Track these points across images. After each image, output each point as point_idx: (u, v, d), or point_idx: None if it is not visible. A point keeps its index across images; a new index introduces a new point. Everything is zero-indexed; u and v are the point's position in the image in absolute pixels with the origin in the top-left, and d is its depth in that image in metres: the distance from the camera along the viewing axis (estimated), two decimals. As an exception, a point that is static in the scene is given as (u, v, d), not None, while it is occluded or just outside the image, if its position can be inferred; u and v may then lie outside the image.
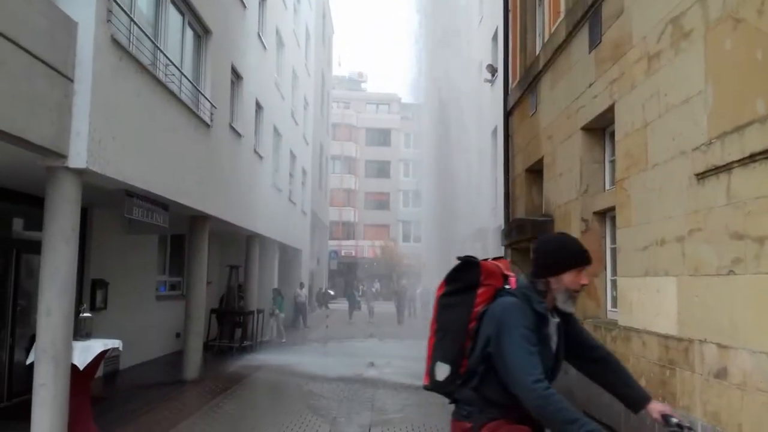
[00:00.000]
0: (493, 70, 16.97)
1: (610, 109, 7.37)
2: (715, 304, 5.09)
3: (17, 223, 9.87)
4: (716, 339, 5.04)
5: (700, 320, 5.32)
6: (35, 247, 7.79)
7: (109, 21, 7.57)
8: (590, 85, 8.04)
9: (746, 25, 4.66)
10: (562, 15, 9.27)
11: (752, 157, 4.50)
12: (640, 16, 6.55)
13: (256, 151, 16.94)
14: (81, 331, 7.62)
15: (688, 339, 5.52)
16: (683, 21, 5.60)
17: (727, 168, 4.83)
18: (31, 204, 9.10)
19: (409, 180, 57.50)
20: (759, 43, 4.49)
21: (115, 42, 7.75)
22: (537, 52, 11.07)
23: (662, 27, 5.99)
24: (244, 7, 15.24)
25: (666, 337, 5.93)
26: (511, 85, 13.02)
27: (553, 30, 9.80)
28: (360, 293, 36.50)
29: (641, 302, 6.53)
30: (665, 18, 5.93)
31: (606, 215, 8.24)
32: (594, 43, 7.92)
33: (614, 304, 7.89)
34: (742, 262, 4.68)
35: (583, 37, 8.39)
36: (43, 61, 6.40)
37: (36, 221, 8.12)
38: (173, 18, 10.65)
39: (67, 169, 6.99)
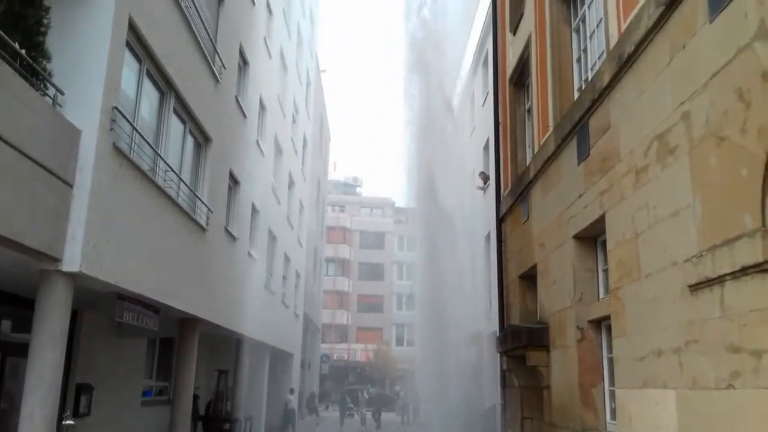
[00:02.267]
0: (485, 177, 17.37)
1: (601, 219, 7.49)
2: (715, 419, 4.97)
3: (5, 325, 9.72)
4: (719, 457, 4.88)
5: (702, 436, 5.17)
6: (22, 350, 7.63)
7: (112, 129, 7.80)
8: (580, 196, 8.22)
9: (730, 143, 4.84)
10: (551, 129, 9.61)
11: (744, 271, 4.54)
12: (627, 132, 6.80)
13: (250, 254, 16.98)
14: (62, 440, 7.34)
15: (690, 456, 5.34)
16: (668, 137, 5.81)
17: (719, 281, 4.86)
18: (21, 306, 8.99)
19: (403, 283, 57.32)
20: (743, 160, 4.64)
21: (117, 149, 7.95)
22: (527, 163, 11.38)
23: (648, 142, 6.21)
24: (245, 116, 15.76)
25: (667, 453, 5.74)
26: (503, 193, 13.29)
27: (542, 142, 10.13)
28: (351, 401, 35.41)
29: (641, 415, 6.37)
30: (651, 134, 6.15)
31: (601, 324, 8.18)
32: (582, 155, 8.17)
33: (613, 416, 7.68)
34: (741, 376, 4.61)
35: (571, 150, 8.66)
36: (44, 167, 6.54)
37: (24, 323, 8.01)
38: (175, 126, 10.98)
39: (60, 272, 6.98)
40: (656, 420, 5.99)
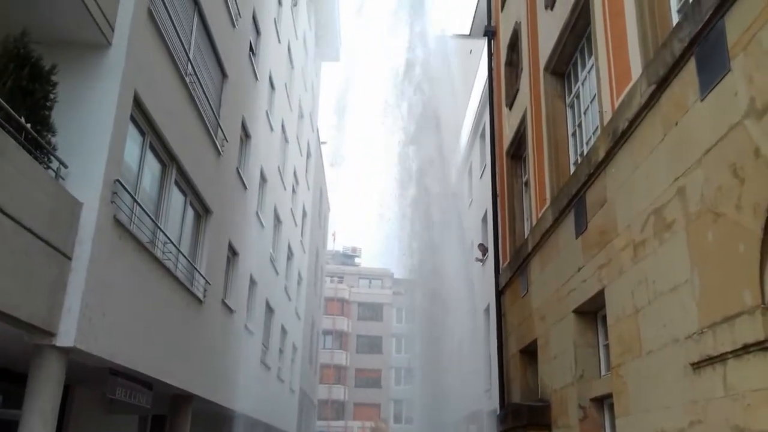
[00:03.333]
0: (484, 249, 17.39)
1: (601, 294, 7.45)
2: (725, 504, 4.78)
3: (-6, 401, 9.48)
4: None
5: None
6: (11, 428, 7.42)
7: (113, 202, 7.86)
8: (579, 270, 8.20)
9: (726, 219, 4.86)
10: (548, 202, 9.70)
11: (746, 349, 4.48)
12: (623, 206, 6.85)
13: (246, 327, 16.78)
14: None
15: None
16: (665, 212, 5.84)
17: (721, 359, 4.79)
18: (11, 381, 8.80)
19: (401, 356, 56.36)
20: (740, 236, 4.66)
21: (117, 221, 7.99)
22: (525, 235, 11.42)
23: (645, 217, 6.24)
24: (245, 188, 15.92)
25: None
26: (502, 265, 13.26)
27: (540, 215, 10.19)
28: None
29: (647, 499, 6.14)
30: (647, 209, 6.19)
31: (604, 402, 8.00)
32: (580, 229, 8.20)
33: (619, 500, 7.40)
34: (749, 459, 4.47)
35: (569, 223, 8.70)
36: (43, 240, 6.55)
37: (14, 399, 7.82)
38: (176, 198, 11.07)
39: (54, 347, 6.87)
40: (664, 504, 5.77)
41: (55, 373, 6.93)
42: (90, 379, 9.24)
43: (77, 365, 7.81)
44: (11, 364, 8.64)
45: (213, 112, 12.76)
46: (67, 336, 6.87)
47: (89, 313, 7.21)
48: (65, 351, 6.97)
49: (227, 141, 13.73)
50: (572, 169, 9.19)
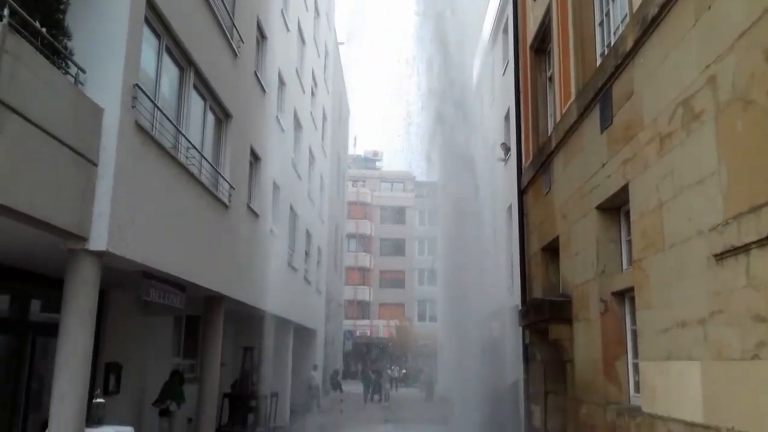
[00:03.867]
0: (506, 149, 17.21)
1: (624, 189, 7.39)
2: (741, 389, 4.92)
3: (34, 305, 9.91)
4: (745, 427, 4.85)
5: (727, 407, 5.13)
6: (51, 330, 7.79)
7: (133, 107, 7.84)
8: (603, 165, 8.11)
9: (757, 107, 4.72)
10: (573, 96, 9.47)
11: (771, 238, 4.46)
12: (651, 98, 6.67)
13: (272, 231, 17.08)
14: (93, 417, 7.51)
15: (715, 427, 5.31)
16: (693, 103, 5.68)
17: (745, 249, 4.78)
18: (49, 286, 9.15)
19: (424, 258, 57.35)
20: (770, 124, 4.53)
21: (139, 127, 8.00)
22: (549, 133, 11.25)
23: (673, 108, 6.08)
24: (264, 91, 15.75)
25: (692, 424, 5.71)
26: (525, 164, 13.17)
27: (564, 111, 9.98)
28: (375, 377, 35.75)
29: (665, 387, 6.33)
30: (675, 100, 6.02)
31: (625, 296, 8.11)
32: (605, 124, 8.04)
33: (637, 389, 7.65)
34: (767, 346, 4.55)
35: (594, 118, 8.53)
36: (69, 147, 6.61)
37: (53, 303, 8.16)
38: (195, 103, 11.01)
39: (88, 251, 7.07)
40: (681, 392, 5.96)
41: (91, 277, 7.17)
42: (125, 283, 9.58)
43: (111, 270, 8.07)
44: (48, 270, 8.96)
45: (228, 12, 12.44)
46: (99, 240, 7.05)
47: (119, 218, 7.37)
48: (98, 255, 7.18)
49: (243, 42, 13.45)
50: (599, 61, 8.90)
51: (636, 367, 7.69)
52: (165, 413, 12.26)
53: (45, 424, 7.06)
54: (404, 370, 42.69)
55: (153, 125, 8.82)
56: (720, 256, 5.16)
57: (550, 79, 11.70)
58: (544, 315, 10.11)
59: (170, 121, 9.61)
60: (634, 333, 7.62)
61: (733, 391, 5.03)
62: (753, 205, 4.69)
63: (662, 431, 6.34)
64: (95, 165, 7.16)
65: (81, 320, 7.08)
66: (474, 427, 13.18)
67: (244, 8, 13.76)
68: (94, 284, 7.27)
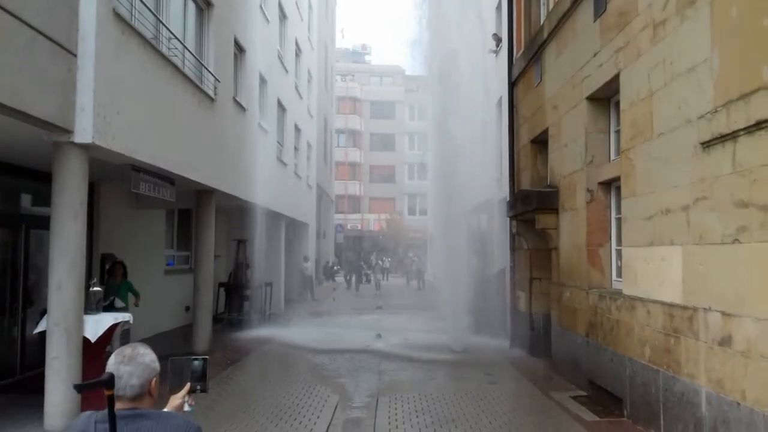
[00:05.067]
0: (497, 39, 16.79)
1: (616, 79, 7.33)
2: (719, 272, 5.11)
3: (25, 199, 9.93)
4: (721, 307, 5.08)
5: (705, 289, 5.35)
6: (44, 223, 7.85)
7: (110, -6, 7.52)
8: (595, 54, 7.98)
9: (753, -9, 4.61)
10: (568, -17, 9.16)
11: (758, 125, 4.49)
12: (647, -17, 6.47)
13: (260, 125, 16.90)
14: (91, 304, 7.73)
15: (692, 307, 5.56)
16: (690, -13, 5.53)
17: (732, 136, 4.82)
18: (39, 179, 9.14)
19: (414, 153, 57.28)
20: (766, 9, 4.44)
21: (117, 15, 7.71)
22: (541, 22, 10.97)
23: (669, -6, 5.93)
24: (246, -21, 15.09)
25: (670, 305, 5.97)
26: (516, 55, 12.92)
27: (558, -2, 9.69)
28: (366, 267, 36.71)
29: (646, 272, 6.57)
30: (672, -15, 5.86)
31: (611, 185, 8.23)
32: (599, 11, 7.84)
33: (619, 274, 7.93)
34: (747, 231, 4.69)
35: (588, 5, 8.31)
36: (46, 36, 6.39)
37: (44, 197, 8.17)
38: (175, -9, 10.57)
39: (74, 144, 7.01)
40: (661, 276, 6.18)
41: (78, 169, 7.14)
42: (115, 177, 9.57)
43: (100, 163, 8.03)
44: (37, 163, 8.91)
45: None
46: (84, 133, 6.97)
47: (103, 111, 7.25)
48: (84, 147, 7.12)
49: (223, -75, 12.73)
50: (595, -56, 8.55)
51: (619, 253, 7.93)
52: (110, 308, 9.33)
53: (44, 312, 7.27)
54: (389, 260, 43.95)
55: (132, 14, 8.50)
56: (707, 144, 5.20)
57: (545, -37, 11.27)
58: (531, 205, 10.28)
59: (150, 10, 9.25)
60: (619, 221, 7.80)
61: (712, 274, 5.23)
62: (743, 92, 4.68)
63: (641, 312, 6.63)
64: (74, 55, 6.95)
65: (72, 212, 7.11)
66: (462, 313, 13.70)
67: None
68: (83, 176, 7.25)
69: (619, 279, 7.82)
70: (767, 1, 4.44)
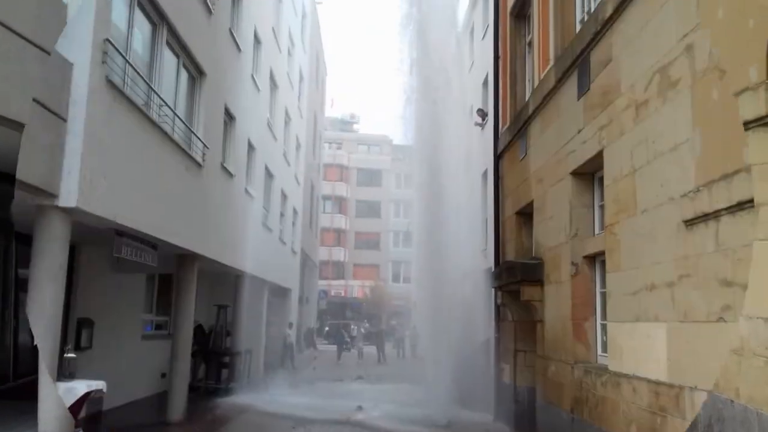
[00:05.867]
0: (483, 114, 17.20)
1: (599, 155, 7.46)
2: (705, 350, 5.08)
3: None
4: (707, 386, 5.02)
5: (691, 367, 5.30)
6: (22, 285, 7.72)
7: (104, 62, 7.65)
8: (579, 131, 8.16)
9: (732, 76, 4.77)
10: (552, 62, 9.45)
11: (740, 205, 4.56)
12: (629, 65, 6.69)
13: (247, 191, 16.96)
14: (65, 371, 7.50)
15: (678, 386, 5.49)
16: (671, 71, 5.72)
17: (715, 215, 4.88)
18: (20, 241, 9.04)
19: (399, 220, 57.61)
20: (750, 12, 4.56)
21: (110, 83, 7.82)
22: (526, 98, 11.25)
23: (650, 76, 6.12)
24: (239, 49, 15.45)
25: (656, 383, 5.90)
26: (501, 129, 13.18)
27: (542, 76, 9.98)
28: (348, 335, 36.18)
29: (631, 348, 6.51)
30: (653, 67, 6.06)
31: (596, 259, 8.26)
32: (583, 90, 8.06)
33: (604, 349, 7.86)
34: (732, 310, 4.69)
35: (572, 84, 8.54)
36: (38, 102, 6.44)
37: (23, 258, 8.06)
38: (168, 59, 10.76)
39: (57, 207, 6.97)
40: (647, 352, 6.13)
41: (61, 233, 7.08)
42: (97, 240, 9.47)
43: (82, 226, 7.97)
44: (19, 225, 8.82)
45: (202, -34, 12.10)
46: (68, 197, 6.95)
47: (89, 174, 7.25)
48: (68, 212, 7.08)
49: (218, -2, 13.13)
50: (578, 27, 8.88)
51: (604, 328, 7.88)
52: None
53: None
54: (367, 327, 43.03)
55: (125, 81, 8.62)
56: (690, 222, 5.26)
57: (530, 44, 11.65)
58: (516, 277, 10.26)
59: (142, 77, 9.40)
60: (604, 295, 7.79)
61: (698, 352, 5.19)
62: (725, 173, 4.77)
63: (627, 389, 6.54)
64: (64, 120, 7.00)
65: (51, 275, 7.01)
66: (446, 384, 13.45)
67: (220, -38, 13.38)
68: (64, 240, 7.18)
69: (605, 354, 7.74)
70: (747, 84, 4.58)
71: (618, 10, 6.86)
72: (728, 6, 4.85)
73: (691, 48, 5.34)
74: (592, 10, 8.14)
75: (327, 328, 44.27)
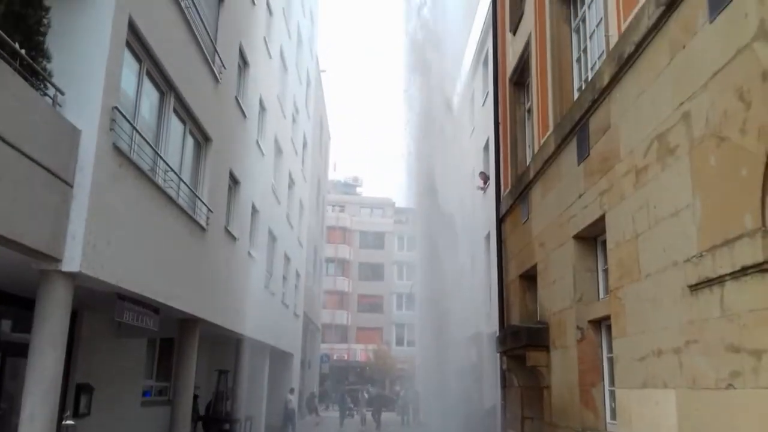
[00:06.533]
0: (485, 177, 17.37)
1: (601, 219, 7.49)
2: (715, 419, 4.97)
3: (5, 325, 9.73)
4: (719, 456, 4.89)
5: (702, 436, 5.17)
6: (22, 350, 7.63)
7: (111, 129, 7.80)
8: (580, 196, 8.21)
9: (730, 143, 4.84)
10: (551, 129, 9.61)
11: (744, 271, 4.54)
12: (627, 132, 6.79)
13: (250, 254, 16.98)
14: (62, 440, 7.35)
15: (690, 456, 5.34)
16: (669, 137, 5.80)
17: (719, 281, 4.86)
18: (21, 306, 8.99)
19: (403, 283, 57.28)
20: (743, 160, 4.64)
21: (117, 149, 7.95)
22: (527, 163, 11.38)
23: (648, 142, 6.21)
24: (244, 116, 15.76)
25: (668, 453, 5.74)
26: (503, 193, 13.28)
27: (542, 142, 10.12)
28: (351, 400, 35.43)
29: (641, 414, 6.37)
30: (651, 134, 6.15)
31: (601, 324, 8.17)
32: (582, 155, 8.16)
33: (613, 416, 7.68)
34: (741, 376, 4.61)
35: (571, 150, 8.66)
36: (44, 167, 6.54)
37: (24, 323, 8.00)
38: (175, 126, 10.98)
39: (60, 272, 6.97)
40: (656, 420, 5.99)
41: (63, 298, 7.06)
42: (98, 304, 9.43)
43: (85, 290, 7.96)
44: (20, 290, 8.80)
45: (210, 38, 12.49)
46: (72, 262, 6.96)
47: (93, 239, 7.29)
48: (71, 276, 7.08)
49: (225, 68, 13.49)
50: (576, 95, 9.07)
51: (612, 394, 7.73)
52: None
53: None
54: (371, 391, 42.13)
55: (131, 147, 8.77)
56: (695, 287, 5.23)
57: (529, 111, 11.88)
58: (521, 342, 10.13)
59: (149, 143, 9.56)
60: (611, 360, 7.67)
61: (708, 420, 5.07)
62: (727, 239, 4.78)
63: (637, 461, 6.35)
64: (70, 186, 7.09)
65: (52, 341, 6.95)
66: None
67: (227, 34, 13.82)
68: (66, 305, 7.15)
69: (614, 421, 7.56)
70: (744, 151, 4.65)
71: (614, 80, 7.02)
72: (724, 77, 4.96)
73: (688, 116, 5.44)
74: (589, 78, 8.33)
75: (335, 394, 43.36)
